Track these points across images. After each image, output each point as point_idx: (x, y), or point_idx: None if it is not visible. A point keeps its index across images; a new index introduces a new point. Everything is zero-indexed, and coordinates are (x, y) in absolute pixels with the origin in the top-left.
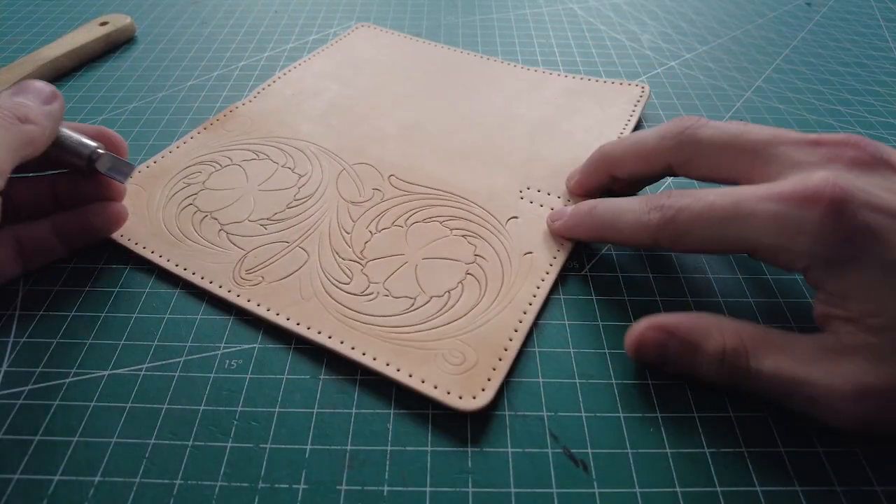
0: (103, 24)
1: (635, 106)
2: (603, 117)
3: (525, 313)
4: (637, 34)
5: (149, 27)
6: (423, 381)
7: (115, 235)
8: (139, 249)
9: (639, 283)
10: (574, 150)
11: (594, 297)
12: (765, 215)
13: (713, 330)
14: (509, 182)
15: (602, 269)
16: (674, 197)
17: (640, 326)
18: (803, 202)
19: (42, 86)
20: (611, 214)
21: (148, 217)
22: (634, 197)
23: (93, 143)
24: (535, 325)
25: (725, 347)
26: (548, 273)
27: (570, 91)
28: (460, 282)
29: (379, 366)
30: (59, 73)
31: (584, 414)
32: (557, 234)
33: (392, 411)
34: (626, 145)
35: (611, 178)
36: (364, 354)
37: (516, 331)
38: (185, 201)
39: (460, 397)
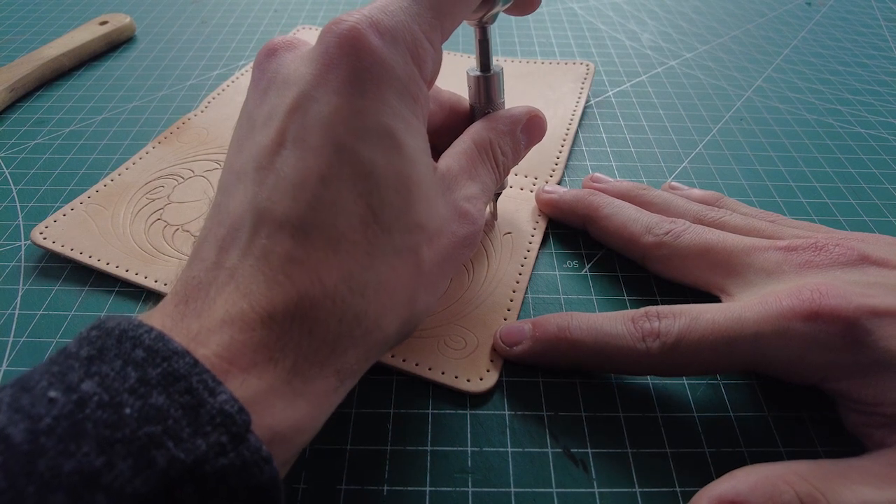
0: (103, 23)
1: (583, 84)
2: (553, 97)
3: (514, 291)
4: (637, 34)
5: (148, 26)
6: (430, 369)
7: (84, 258)
8: (112, 270)
9: (639, 283)
10: None
11: (594, 297)
12: (772, 335)
13: (780, 483)
14: None
15: (602, 269)
16: (664, 319)
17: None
18: (807, 317)
19: None
20: (592, 340)
21: (115, 235)
22: (612, 315)
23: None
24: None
25: (801, 500)
26: (529, 250)
27: (519, 75)
28: None
29: (385, 358)
30: (59, 73)
31: (584, 414)
32: (545, 210)
33: (392, 411)
34: (614, 215)
35: (582, 227)
36: None
37: (509, 310)
38: (152, 217)
39: (468, 380)
